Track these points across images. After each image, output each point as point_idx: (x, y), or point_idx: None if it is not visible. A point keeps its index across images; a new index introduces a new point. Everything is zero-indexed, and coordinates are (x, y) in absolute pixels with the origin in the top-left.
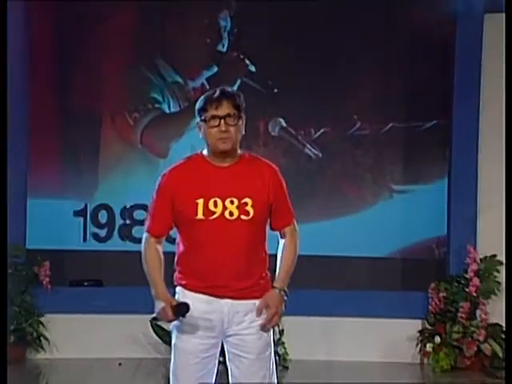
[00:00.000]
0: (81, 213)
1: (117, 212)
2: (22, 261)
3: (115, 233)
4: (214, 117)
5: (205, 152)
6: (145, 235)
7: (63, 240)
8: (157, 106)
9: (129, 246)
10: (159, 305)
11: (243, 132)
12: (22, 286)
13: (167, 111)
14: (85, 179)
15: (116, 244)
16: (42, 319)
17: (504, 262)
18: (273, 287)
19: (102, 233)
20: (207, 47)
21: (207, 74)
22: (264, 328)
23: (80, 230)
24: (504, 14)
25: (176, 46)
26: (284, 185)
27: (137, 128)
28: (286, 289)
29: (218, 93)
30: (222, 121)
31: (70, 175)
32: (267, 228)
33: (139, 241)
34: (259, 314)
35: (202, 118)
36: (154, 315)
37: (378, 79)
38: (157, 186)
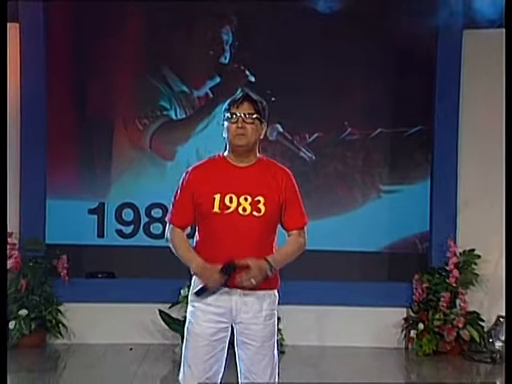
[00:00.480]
0: (95, 211)
1: (128, 210)
2: (42, 254)
3: (128, 229)
4: (234, 114)
5: (226, 153)
6: (169, 226)
7: (79, 236)
8: (165, 113)
9: (139, 241)
10: (203, 276)
11: (262, 136)
12: (42, 278)
13: (174, 118)
14: (99, 181)
15: (128, 239)
16: (61, 308)
17: (504, 264)
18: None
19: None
20: (210, 59)
21: (211, 83)
22: (241, 282)
23: (94, 226)
24: (482, 30)
25: (182, 58)
26: (296, 189)
27: (146, 133)
28: (272, 263)
29: (241, 95)
30: (240, 118)
31: (85, 177)
32: (278, 227)
33: (149, 236)
34: (242, 269)
35: (226, 116)
36: (198, 288)
37: (366, 89)
38: (180, 181)
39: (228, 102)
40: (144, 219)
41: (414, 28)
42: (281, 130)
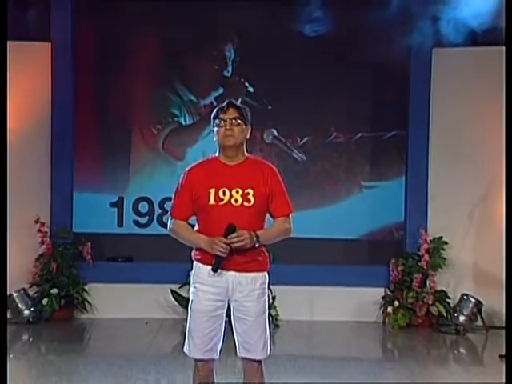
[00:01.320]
0: (115, 204)
1: (143, 203)
2: (70, 241)
3: (143, 219)
4: (222, 119)
5: (217, 154)
6: (171, 220)
7: (101, 225)
8: (175, 119)
9: (153, 230)
10: (213, 247)
11: (247, 136)
12: (70, 261)
13: (183, 123)
14: (118, 178)
15: (143, 228)
16: (86, 287)
17: (504, 264)
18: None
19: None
20: (215, 73)
21: (215, 93)
22: (234, 242)
23: (114, 217)
24: (448, 49)
25: (190, 72)
26: (281, 182)
27: (159, 137)
28: (259, 236)
29: (226, 103)
30: (228, 122)
31: (106, 175)
32: (266, 216)
33: (161, 225)
34: (231, 233)
35: (215, 122)
36: (212, 265)
37: (349, 99)
38: (180, 180)
39: (216, 109)
40: (157, 211)
41: (390, 47)
42: (276, 134)
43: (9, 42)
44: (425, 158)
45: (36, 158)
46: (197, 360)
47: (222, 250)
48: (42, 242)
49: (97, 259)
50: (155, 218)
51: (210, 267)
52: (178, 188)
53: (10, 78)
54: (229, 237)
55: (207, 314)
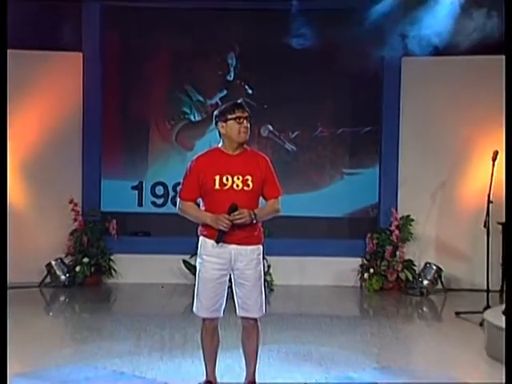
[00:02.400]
0: (136, 187)
1: (159, 187)
2: (98, 219)
3: (160, 200)
4: (239, 117)
5: (220, 145)
6: (180, 201)
7: (124, 205)
8: (186, 116)
9: (168, 209)
10: (218, 223)
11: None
12: (98, 236)
13: (193, 120)
14: (138, 165)
15: (160, 208)
16: (112, 257)
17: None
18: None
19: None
20: (220, 77)
21: (220, 95)
22: (236, 219)
23: (135, 198)
24: (415, 57)
25: (198, 76)
26: (273, 170)
27: (173, 131)
28: (256, 214)
29: (239, 102)
30: (244, 120)
31: (129, 163)
32: (261, 199)
33: (175, 205)
34: (233, 212)
35: (230, 117)
36: (216, 237)
37: (333, 100)
38: (188, 167)
39: (229, 106)
40: (171, 193)
41: (366, 57)
42: (271, 129)
43: (46, 52)
44: (396, 150)
45: (70, 150)
46: (204, 319)
47: (225, 225)
48: (75, 220)
49: (121, 234)
50: (169, 199)
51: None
52: (186, 174)
53: (47, 83)
54: (232, 214)
55: (213, 281)
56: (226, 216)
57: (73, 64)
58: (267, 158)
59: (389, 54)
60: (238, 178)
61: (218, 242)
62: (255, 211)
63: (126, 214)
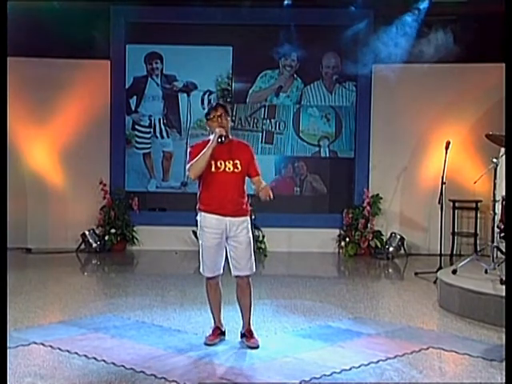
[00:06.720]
0: None
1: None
2: (123, 197)
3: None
4: (214, 116)
5: (211, 137)
6: (188, 167)
7: (145, 186)
8: None
9: (179, 190)
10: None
11: (231, 124)
12: (123, 210)
13: None
14: None
15: (173, 188)
16: (134, 228)
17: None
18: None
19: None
20: None
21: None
22: (263, 194)
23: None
24: (384, 65)
25: None
26: (255, 155)
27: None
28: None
29: (215, 104)
30: (219, 117)
31: None
32: (246, 179)
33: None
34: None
35: (208, 118)
36: (219, 139)
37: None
38: (190, 149)
39: (207, 110)
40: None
41: (342, 64)
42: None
43: (81, 61)
44: (367, 141)
45: (101, 141)
46: (208, 277)
47: (223, 132)
48: (104, 197)
49: (142, 209)
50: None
51: (211, 214)
52: (190, 153)
53: (82, 86)
54: (260, 187)
55: (213, 247)
56: (220, 129)
57: (102, 70)
58: (250, 146)
59: (362, 60)
60: (229, 163)
61: (221, 143)
62: (262, 183)
63: (146, 192)
